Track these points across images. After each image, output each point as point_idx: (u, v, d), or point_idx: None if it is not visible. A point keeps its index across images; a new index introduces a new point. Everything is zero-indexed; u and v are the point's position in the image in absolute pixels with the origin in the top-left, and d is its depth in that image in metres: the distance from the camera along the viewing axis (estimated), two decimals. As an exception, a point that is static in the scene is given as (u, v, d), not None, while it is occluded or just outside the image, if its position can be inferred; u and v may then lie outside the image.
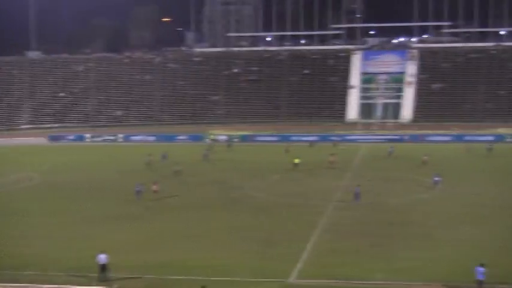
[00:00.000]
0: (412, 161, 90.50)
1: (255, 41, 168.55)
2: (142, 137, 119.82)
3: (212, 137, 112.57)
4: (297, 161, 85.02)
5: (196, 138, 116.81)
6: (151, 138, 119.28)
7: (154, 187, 67.49)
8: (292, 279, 42.85)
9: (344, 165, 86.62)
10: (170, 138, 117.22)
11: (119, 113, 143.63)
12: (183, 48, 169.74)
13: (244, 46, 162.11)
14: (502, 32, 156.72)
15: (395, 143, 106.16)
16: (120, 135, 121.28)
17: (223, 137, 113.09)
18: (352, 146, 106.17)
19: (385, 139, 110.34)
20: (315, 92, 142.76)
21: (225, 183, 76.53)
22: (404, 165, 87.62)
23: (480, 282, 39.89)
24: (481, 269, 39.92)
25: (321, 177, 79.49)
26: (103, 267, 42.36)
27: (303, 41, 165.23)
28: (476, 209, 61.71)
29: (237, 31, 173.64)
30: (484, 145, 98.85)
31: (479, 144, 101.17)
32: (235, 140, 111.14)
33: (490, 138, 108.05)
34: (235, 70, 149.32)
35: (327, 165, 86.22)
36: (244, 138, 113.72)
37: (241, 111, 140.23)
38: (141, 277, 43.22)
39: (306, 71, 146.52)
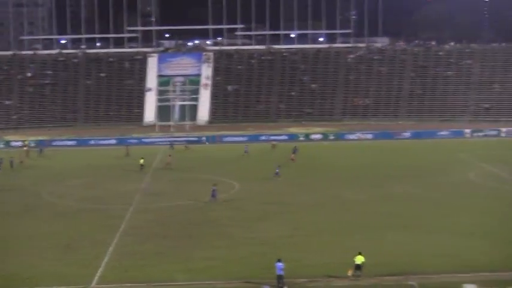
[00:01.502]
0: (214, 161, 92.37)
1: (49, 44, 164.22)
2: None
3: (27, 142, 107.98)
4: (141, 161, 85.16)
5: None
6: None
7: None
8: (94, 284, 42.71)
9: (155, 166, 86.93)
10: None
11: None
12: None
13: (38, 49, 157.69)
14: (292, 35, 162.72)
15: (194, 144, 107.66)
16: None
17: (18, 143, 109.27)
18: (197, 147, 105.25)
19: (183, 141, 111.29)
20: (112, 95, 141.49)
21: (27, 190, 74.24)
22: (207, 166, 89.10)
23: (280, 277, 41.59)
24: (280, 265, 41.62)
25: (127, 180, 79.16)
26: None
27: (98, 44, 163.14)
28: (272, 206, 64.07)
29: (30, 34, 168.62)
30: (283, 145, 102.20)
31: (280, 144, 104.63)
32: (32, 145, 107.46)
33: (284, 137, 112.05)
34: (29, 74, 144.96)
35: (164, 166, 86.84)
36: (40, 144, 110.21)
37: (37, 116, 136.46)
38: None
39: (102, 74, 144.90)
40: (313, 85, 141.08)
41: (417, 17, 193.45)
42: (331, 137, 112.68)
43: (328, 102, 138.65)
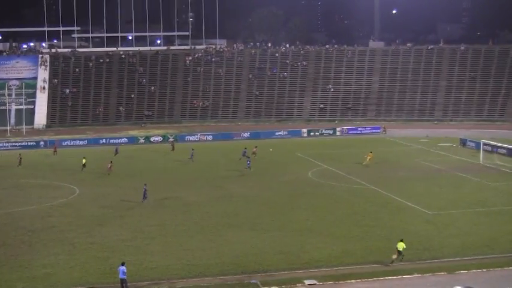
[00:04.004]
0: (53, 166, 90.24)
1: None
2: None
3: None
4: (84, 161, 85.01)
5: None
6: None
7: None
8: None
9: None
10: None
11: None
12: None
13: None
14: (130, 37, 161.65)
15: (32, 149, 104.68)
16: None
17: None
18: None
19: (20, 146, 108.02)
20: None
21: None
22: (50, 172, 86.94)
23: (123, 281, 41.40)
24: (123, 268, 41.46)
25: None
26: None
27: None
28: (112, 210, 63.48)
29: None
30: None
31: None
32: None
33: (124, 140, 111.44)
34: None
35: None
36: None
37: None
38: None
39: None
40: (152, 87, 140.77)
41: (254, 19, 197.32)
42: (171, 139, 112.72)
43: (167, 105, 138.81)
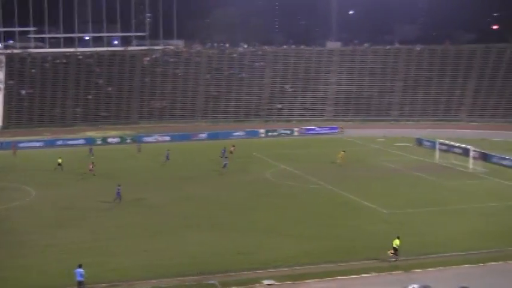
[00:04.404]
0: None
1: None
2: None
3: None
4: (60, 160, 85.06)
5: None
6: None
7: None
8: None
9: None
10: None
11: None
12: None
13: None
14: (87, 38, 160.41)
15: None
16: None
17: None
18: None
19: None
20: None
21: None
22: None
23: (80, 283, 41.31)
24: (80, 270, 41.37)
25: None
26: None
27: None
28: (70, 212, 63.14)
29: None
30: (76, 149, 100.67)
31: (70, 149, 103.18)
32: None
33: (81, 141, 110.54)
34: None
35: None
36: None
37: None
38: None
39: None
40: (109, 88, 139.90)
41: (211, 20, 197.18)
42: (129, 140, 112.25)
43: (124, 105, 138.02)
